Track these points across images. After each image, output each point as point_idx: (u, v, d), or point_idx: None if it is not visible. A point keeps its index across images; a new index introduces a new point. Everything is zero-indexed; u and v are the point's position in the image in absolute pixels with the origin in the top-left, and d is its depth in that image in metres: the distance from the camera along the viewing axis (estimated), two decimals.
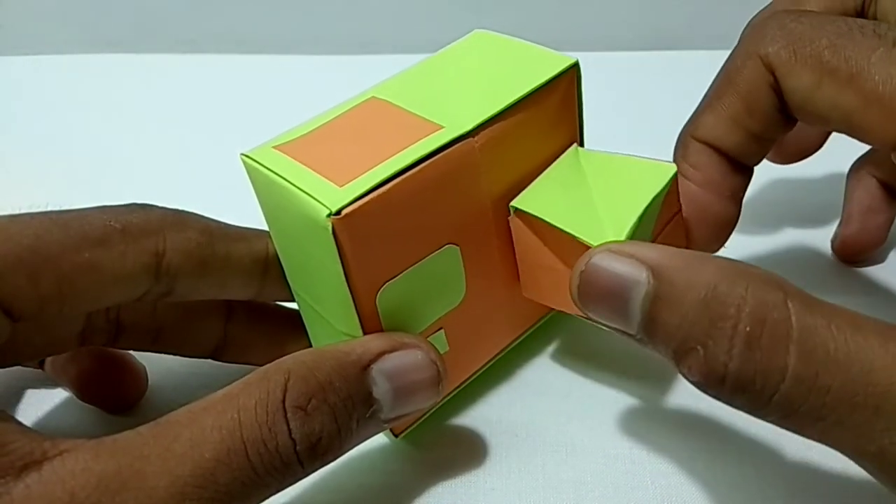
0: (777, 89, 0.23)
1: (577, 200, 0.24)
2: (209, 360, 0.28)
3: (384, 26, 0.52)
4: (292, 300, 0.26)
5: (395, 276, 0.22)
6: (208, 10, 0.52)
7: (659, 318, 0.19)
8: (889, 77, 0.20)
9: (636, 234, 0.22)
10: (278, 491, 0.20)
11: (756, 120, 0.24)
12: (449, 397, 0.27)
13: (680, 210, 0.25)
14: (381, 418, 0.21)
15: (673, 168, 0.24)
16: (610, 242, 0.20)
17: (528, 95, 0.23)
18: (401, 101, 0.24)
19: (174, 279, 0.23)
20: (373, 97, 0.24)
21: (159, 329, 0.27)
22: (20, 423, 0.19)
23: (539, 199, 0.24)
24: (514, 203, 0.24)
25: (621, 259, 0.19)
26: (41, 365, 0.28)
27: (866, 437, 0.17)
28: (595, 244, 0.21)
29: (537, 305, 0.27)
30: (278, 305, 0.29)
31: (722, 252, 0.27)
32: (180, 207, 0.24)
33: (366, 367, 0.21)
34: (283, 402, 0.19)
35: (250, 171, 0.23)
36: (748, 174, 0.26)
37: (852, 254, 0.32)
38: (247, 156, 0.22)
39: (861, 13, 0.26)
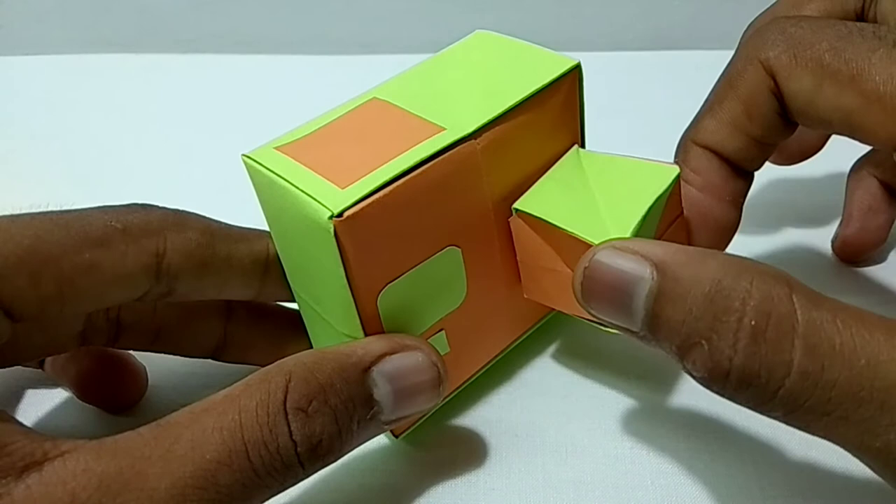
0: (777, 94, 0.23)
1: (579, 201, 0.24)
2: (209, 360, 0.28)
3: (384, 26, 0.52)
4: (293, 300, 0.26)
5: (396, 278, 0.22)
6: (208, 10, 0.52)
7: (663, 313, 0.19)
8: (890, 77, 0.20)
9: (639, 234, 0.22)
10: (279, 492, 0.20)
11: (756, 125, 0.24)
12: (449, 398, 0.27)
13: (682, 213, 0.25)
14: (382, 420, 0.21)
15: (676, 170, 0.24)
16: (613, 239, 0.20)
17: (530, 97, 0.23)
18: (402, 102, 0.24)
19: (175, 279, 0.23)
20: (374, 98, 0.24)
21: (159, 329, 0.27)
22: (21, 424, 0.19)
23: (541, 201, 0.24)
24: (516, 205, 0.24)
25: (625, 255, 0.19)
26: (41, 365, 0.28)
27: (871, 433, 0.17)
28: (598, 244, 0.21)
29: (537, 306, 0.27)
30: (278, 306, 0.29)
31: None
32: (181, 207, 0.24)
33: (367, 368, 0.21)
34: (285, 403, 0.19)
35: (252, 172, 0.23)
36: (749, 179, 0.26)
37: (853, 254, 0.32)
38: (248, 157, 0.22)
39: (861, 16, 0.26)
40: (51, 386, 0.29)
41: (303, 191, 0.21)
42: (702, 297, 0.18)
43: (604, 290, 0.20)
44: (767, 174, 0.26)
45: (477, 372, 0.28)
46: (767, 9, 0.28)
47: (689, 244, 0.26)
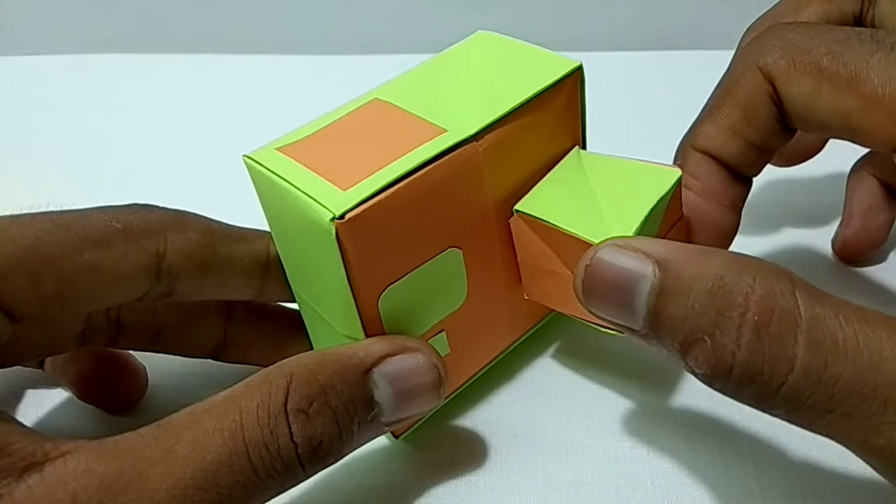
0: (776, 99, 0.23)
1: (581, 203, 0.24)
2: (209, 360, 0.28)
3: (384, 26, 0.52)
4: (293, 301, 0.26)
5: (397, 280, 0.22)
6: (208, 10, 0.52)
7: (665, 310, 0.18)
8: (888, 79, 0.20)
9: (641, 235, 0.22)
10: (279, 493, 0.20)
11: (755, 130, 0.24)
12: (450, 398, 0.27)
13: (682, 216, 0.25)
14: (382, 421, 0.21)
15: (678, 172, 0.24)
16: (615, 237, 0.20)
17: (532, 99, 0.23)
18: (404, 103, 0.24)
19: (175, 280, 0.23)
20: (375, 99, 0.24)
21: (159, 329, 0.27)
22: (21, 424, 0.19)
23: (542, 202, 0.24)
24: (517, 206, 0.24)
25: (627, 252, 0.19)
26: (41, 365, 0.28)
27: (875, 430, 0.17)
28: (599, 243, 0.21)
29: (538, 307, 0.27)
30: (279, 306, 0.29)
31: None
32: (181, 208, 0.24)
33: (367, 370, 0.21)
34: (285, 404, 0.19)
35: (253, 173, 0.23)
36: (748, 184, 0.26)
37: (853, 254, 0.32)
38: (249, 157, 0.22)
39: (858, 20, 0.26)
40: (51, 386, 0.29)
41: (304, 192, 0.21)
42: (704, 293, 0.18)
43: (605, 288, 0.20)
44: (767, 174, 0.26)
45: (477, 372, 0.28)
46: (765, 13, 0.28)
47: None
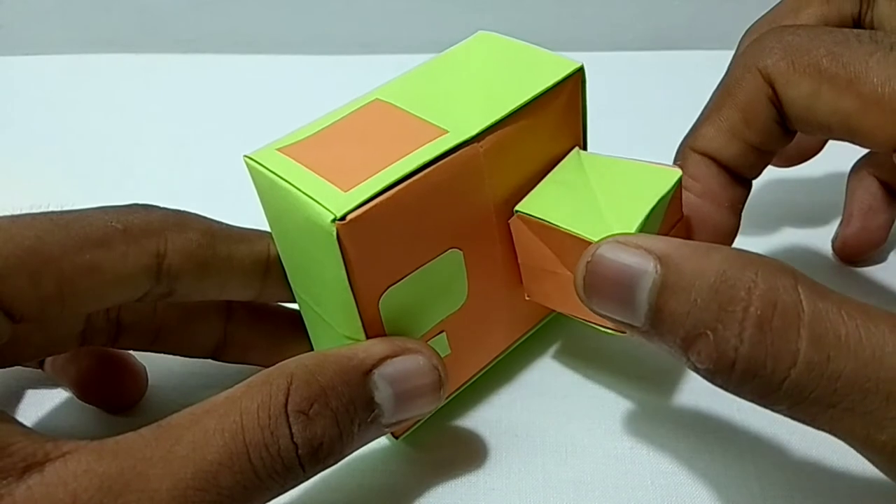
0: (775, 101, 0.23)
1: (581, 203, 0.24)
2: (209, 360, 0.28)
3: (385, 26, 0.52)
4: (293, 301, 0.26)
5: (398, 281, 0.22)
6: (208, 10, 0.52)
7: (666, 306, 0.18)
8: (887, 79, 0.20)
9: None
10: (279, 494, 0.20)
11: (754, 132, 0.24)
12: (450, 399, 0.27)
13: (682, 217, 0.25)
14: (383, 423, 0.21)
15: (678, 173, 0.24)
16: (617, 234, 0.20)
17: (533, 100, 0.23)
18: (405, 103, 0.24)
19: (175, 280, 0.23)
20: (376, 99, 0.24)
21: (159, 329, 0.27)
22: (22, 425, 0.19)
23: (543, 203, 0.24)
24: (518, 207, 0.24)
25: (628, 249, 0.19)
26: (41, 365, 0.28)
27: (877, 425, 0.17)
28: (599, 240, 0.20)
29: (538, 308, 0.27)
30: (279, 306, 0.29)
31: None
32: (181, 208, 0.24)
33: (368, 371, 0.21)
34: (286, 405, 0.19)
35: (253, 174, 0.23)
36: (748, 187, 0.26)
37: (853, 254, 0.32)
38: (250, 158, 0.22)
39: (857, 21, 0.26)
40: (51, 386, 0.29)
41: (305, 193, 0.21)
42: (707, 288, 0.18)
43: (606, 285, 0.20)
44: (767, 174, 0.26)
45: (477, 373, 0.28)
46: (764, 15, 0.28)
47: None
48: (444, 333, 0.25)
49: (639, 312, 0.19)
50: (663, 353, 0.20)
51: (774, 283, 0.18)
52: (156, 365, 0.29)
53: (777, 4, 0.28)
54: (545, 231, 0.23)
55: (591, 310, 0.20)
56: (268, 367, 0.21)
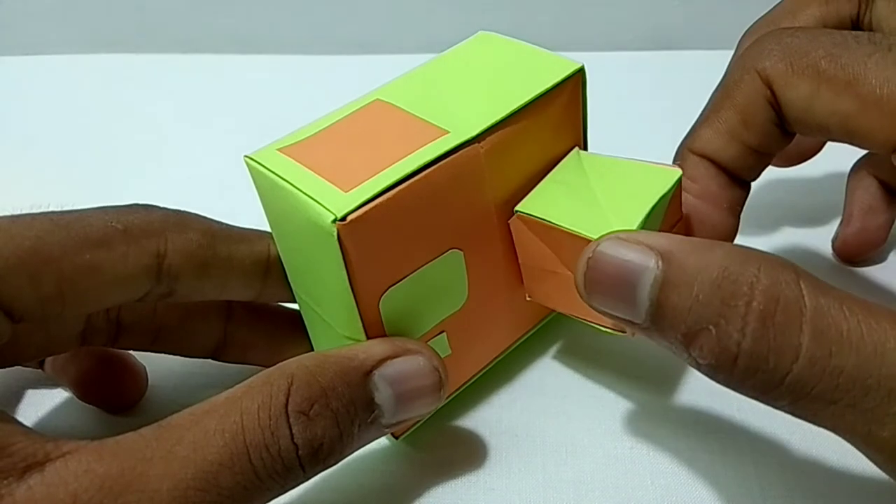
0: (774, 103, 0.23)
1: (582, 203, 0.24)
2: (209, 360, 0.28)
3: (385, 26, 0.52)
4: (293, 301, 0.26)
5: (398, 281, 0.22)
6: (208, 10, 0.52)
7: (668, 301, 0.18)
8: (886, 80, 0.21)
9: None
10: (280, 494, 0.20)
11: (753, 134, 0.24)
12: (450, 399, 0.27)
13: (682, 217, 0.25)
14: (383, 423, 0.21)
15: (678, 172, 0.24)
16: (618, 231, 0.20)
17: (533, 101, 0.23)
18: (405, 104, 0.24)
19: (175, 280, 0.23)
20: (377, 100, 0.24)
21: (159, 329, 0.27)
22: (22, 425, 0.19)
23: (542, 203, 0.24)
24: (518, 207, 0.24)
25: (629, 245, 0.19)
26: (41, 365, 0.28)
27: (879, 422, 0.17)
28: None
29: (538, 308, 0.27)
30: (279, 306, 0.29)
31: None
32: (181, 208, 0.24)
33: (368, 372, 0.21)
34: (286, 406, 0.19)
35: (254, 174, 0.23)
36: (746, 188, 0.26)
37: (853, 254, 0.32)
38: (251, 158, 0.22)
39: (855, 23, 0.26)
40: (51, 386, 0.29)
41: (306, 194, 0.21)
42: (709, 283, 0.18)
43: (607, 281, 0.20)
44: (767, 174, 0.26)
45: (477, 373, 0.28)
46: (762, 17, 0.28)
47: None
48: (444, 334, 0.25)
49: (639, 309, 0.19)
50: (663, 352, 0.20)
51: (777, 279, 0.18)
52: (156, 365, 0.29)
53: (775, 6, 0.28)
54: (545, 230, 0.23)
55: (592, 307, 0.20)
56: (268, 367, 0.21)
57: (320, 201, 0.20)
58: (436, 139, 0.22)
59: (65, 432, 0.28)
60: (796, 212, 0.36)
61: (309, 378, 0.20)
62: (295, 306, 0.26)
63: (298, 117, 0.24)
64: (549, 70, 0.24)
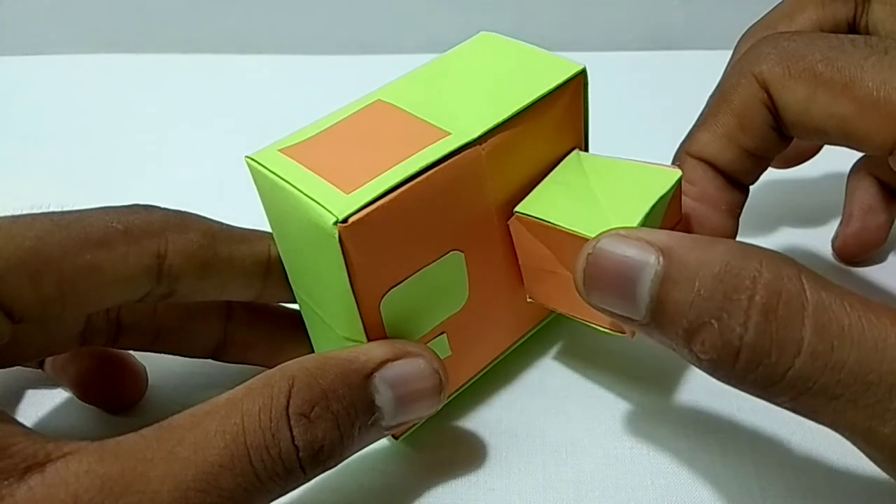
0: (771, 107, 0.23)
1: (581, 202, 0.24)
2: (209, 360, 0.28)
3: (385, 26, 0.52)
4: (294, 302, 0.26)
5: (399, 283, 0.22)
6: (208, 10, 0.52)
7: (669, 297, 0.18)
8: (883, 82, 0.21)
9: None
10: (280, 496, 0.20)
11: (750, 137, 0.24)
12: (450, 399, 0.27)
13: (681, 219, 0.25)
14: (383, 425, 0.22)
15: (678, 173, 0.24)
16: (618, 228, 0.20)
17: (535, 102, 0.23)
18: (407, 105, 0.24)
19: (175, 281, 0.23)
20: (378, 100, 0.24)
21: (159, 329, 0.27)
22: (23, 425, 0.19)
23: (542, 203, 0.24)
24: (518, 208, 0.24)
25: (629, 241, 0.19)
26: (41, 365, 0.28)
27: (880, 418, 0.17)
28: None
29: (538, 309, 0.27)
30: (279, 306, 0.29)
31: None
32: (182, 208, 0.24)
33: (369, 375, 0.21)
34: (287, 408, 0.19)
35: (255, 175, 0.23)
36: (745, 192, 0.26)
37: (853, 254, 0.32)
38: (252, 158, 0.22)
39: (852, 26, 0.26)
40: (51, 386, 0.29)
41: (307, 195, 0.21)
42: (711, 277, 0.18)
43: (607, 277, 0.20)
44: (767, 175, 0.26)
45: (478, 374, 0.28)
46: (759, 20, 0.28)
47: None
48: (444, 335, 0.25)
49: (639, 305, 0.19)
50: (663, 352, 0.20)
51: (779, 273, 0.18)
52: (156, 365, 0.29)
53: (773, 9, 0.28)
54: (544, 231, 0.23)
55: (591, 304, 0.20)
56: (268, 367, 0.21)
57: (322, 203, 0.20)
58: (437, 141, 0.22)
59: (65, 432, 0.28)
60: (796, 212, 0.36)
61: (310, 380, 0.20)
62: (295, 306, 0.26)
63: (299, 117, 0.24)
64: (550, 71, 0.24)
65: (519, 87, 0.24)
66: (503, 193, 0.24)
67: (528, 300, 0.26)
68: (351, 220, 0.20)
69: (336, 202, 0.20)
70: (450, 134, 0.22)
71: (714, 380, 0.19)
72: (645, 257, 0.19)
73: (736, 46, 0.29)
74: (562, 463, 0.26)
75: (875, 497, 0.24)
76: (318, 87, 0.47)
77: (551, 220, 0.23)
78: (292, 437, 0.19)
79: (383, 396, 0.21)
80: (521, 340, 0.29)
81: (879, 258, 0.33)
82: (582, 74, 0.25)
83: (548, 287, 0.25)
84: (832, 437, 0.18)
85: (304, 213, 0.21)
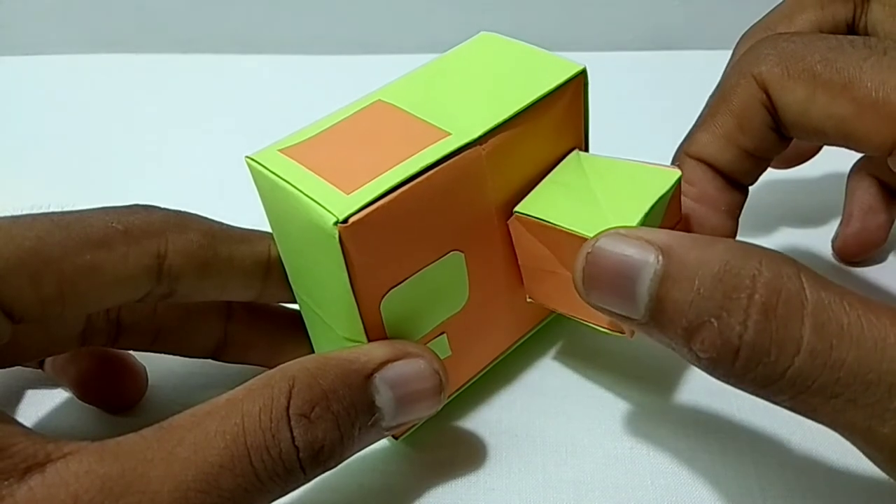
0: (770, 108, 0.23)
1: (580, 202, 0.24)
2: (209, 361, 0.28)
3: (385, 26, 0.52)
4: (294, 302, 0.26)
5: (399, 283, 0.22)
6: (208, 10, 0.52)
7: (668, 296, 0.18)
8: (882, 83, 0.21)
9: None
10: (280, 496, 0.20)
11: (749, 138, 0.24)
12: (450, 399, 0.27)
13: (681, 219, 0.25)
14: (383, 426, 0.22)
15: (677, 173, 0.24)
16: (618, 227, 0.20)
17: (535, 103, 0.23)
18: (407, 105, 0.24)
19: (175, 281, 0.23)
20: (379, 100, 0.24)
21: (159, 329, 0.27)
22: (23, 426, 0.19)
23: (541, 203, 0.24)
24: (517, 208, 0.24)
25: (629, 241, 0.19)
26: (41, 365, 0.28)
27: (879, 417, 0.17)
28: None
29: (538, 309, 0.27)
30: (279, 306, 0.29)
31: None
32: (182, 208, 0.24)
33: (369, 375, 0.21)
34: (288, 409, 0.19)
35: (255, 175, 0.23)
36: (744, 192, 0.26)
37: (853, 253, 0.33)
38: (252, 159, 0.22)
39: (851, 27, 0.26)
40: (51, 386, 0.29)
41: (307, 195, 0.21)
42: (710, 276, 0.18)
43: (606, 277, 0.20)
44: (767, 175, 0.26)
45: (478, 374, 0.28)
46: (759, 21, 0.28)
47: None
48: (444, 335, 0.25)
49: (639, 304, 0.19)
50: (663, 352, 0.20)
51: (778, 272, 0.18)
52: (156, 365, 0.29)
53: (772, 10, 0.28)
54: (544, 231, 0.23)
55: (590, 303, 0.20)
56: (268, 367, 0.21)
57: (322, 203, 0.20)
58: (437, 141, 0.22)
59: (65, 432, 0.28)
60: (796, 212, 0.36)
61: (310, 381, 0.20)
62: (295, 306, 0.26)
63: (299, 117, 0.24)
64: (551, 72, 0.24)
65: (519, 88, 0.24)
66: (503, 193, 0.24)
67: (528, 300, 0.26)
68: (351, 220, 0.20)
69: (336, 202, 0.20)
70: (450, 134, 0.22)
71: (714, 380, 0.19)
72: (644, 256, 0.19)
73: (735, 47, 0.29)
74: (562, 463, 0.26)
75: (875, 497, 0.24)
76: (318, 87, 0.47)
77: (551, 220, 0.23)
78: (293, 437, 0.19)
79: (383, 397, 0.21)
80: (521, 340, 0.29)
81: (879, 258, 0.33)
82: (582, 75, 0.25)
83: (547, 287, 0.25)
84: (832, 437, 0.18)
85: (304, 213, 0.21)
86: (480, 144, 0.22)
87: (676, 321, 0.18)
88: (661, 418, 0.27)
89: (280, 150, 0.22)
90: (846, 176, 0.33)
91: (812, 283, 0.18)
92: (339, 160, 0.22)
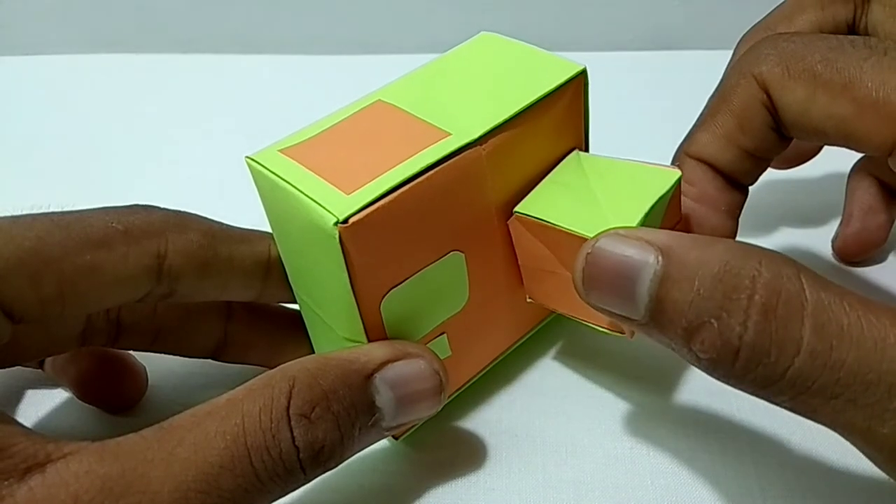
0: (770, 108, 0.23)
1: (580, 202, 0.24)
2: (209, 361, 0.28)
3: (385, 26, 0.52)
4: (294, 302, 0.26)
5: (399, 283, 0.22)
6: (208, 10, 0.52)
7: (668, 296, 0.18)
8: (882, 83, 0.21)
9: None
10: (280, 497, 0.20)
11: (749, 138, 0.24)
12: (450, 399, 0.27)
13: (681, 219, 0.25)
14: (383, 426, 0.22)
15: (677, 173, 0.24)
16: (617, 227, 0.20)
17: (536, 103, 0.23)
18: (407, 105, 0.24)
19: (175, 281, 0.23)
20: (379, 100, 0.24)
21: (159, 329, 0.27)
22: (23, 426, 0.19)
23: (541, 203, 0.24)
24: (517, 208, 0.24)
25: (629, 241, 0.19)
26: (41, 365, 0.28)
27: (879, 418, 0.17)
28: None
29: (538, 309, 0.27)
30: (279, 306, 0.29)
31: None
32: (182, 209, 0.24)
33: (369, 375, 0.21)
34: (288, 409, 0.19)
35: (255, 175, 0.23)
36: (744, 193, 0.26)
37: (853, 253, 0.33)
38: (252, 159, 0.22)
39: (851, 27, 0.26)
40: (51, 386, 0.29)
41: (308, 196, 0.21)
42: (710, 277, 0.18)
43: (606, 277, 0.20)
44: (767, 175, 0.26)
45: (478, 374, 0.28)
46: (759, 22, 0.28)
47: None
48: (444, 335, 0.25)
49: (638, 304, 0.19)
50: (663, 352, 0.20)
51: (778, 272, 0.18)
52: (156, 365, 0.29)
53: (772, 10, 0.28)
54: (543, 231, 0.23)
55: (589, 303, 0.20)
56: (268, 367, 0.21)
57: (322, 203, 0.20)
58: (438, 141, 0.22)
59: (65, 432, 0.28)
60: (796, 212, 0.36)
61: (310, 381, 0.20)
62: (295, 307, 0.26)
63: (299, 117, 0.24)
64: (551, 72, 0.24)
65: (519, 88, 0.24)
66: (503, 194, 0.24)
67: (528, 300, 0.26)
68: (351, 220, 0.20)
69: (336, 203, 0.20)
70: (450, 134, 0.22)
71: (714, 380, 0.19)
72: (644, 257, 0.19)
73: (736, 48, 0.29)
74: (562, 463, 0.26)
75: (875, 497, 0.24)
76: (318, 87, 0.47)
77: (551, 220, 0.23)
78: (293, 437, 0.19)
79: (384, 397, 0.21)
80: (521, 340, 0.29)
81: (879, 258, 0.33)
82: (582, 75, 0.25)
83: (547, 287, 0.25)
84: (832, 437, 0.18)
85: (304, 213, 0.21)
86: (480, 144, 0.22)
87: (676, 322, 0.18)
88: (661, 418, 0.27)
89: (280, 151, 0.22)
90: (846, 176, 0.33)
91: (812, 284, 0.18)
92: (340, 160, 0.22)
